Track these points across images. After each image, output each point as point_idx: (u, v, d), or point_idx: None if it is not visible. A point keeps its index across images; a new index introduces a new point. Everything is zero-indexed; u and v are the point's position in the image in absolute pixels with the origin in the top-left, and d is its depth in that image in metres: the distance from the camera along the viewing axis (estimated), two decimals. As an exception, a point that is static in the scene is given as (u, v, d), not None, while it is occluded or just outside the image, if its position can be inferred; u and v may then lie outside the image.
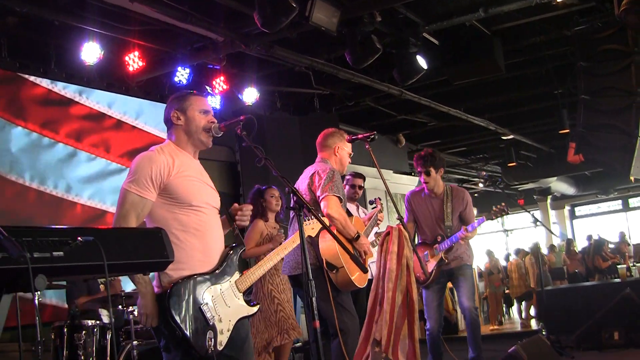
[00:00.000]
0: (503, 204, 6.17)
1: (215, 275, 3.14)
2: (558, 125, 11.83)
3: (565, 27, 8.26)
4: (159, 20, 6.88)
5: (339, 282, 4.65)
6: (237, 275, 3.24)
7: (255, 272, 3.36)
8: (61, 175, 7.50)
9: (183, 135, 3.26)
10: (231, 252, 3.25)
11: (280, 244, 5.82)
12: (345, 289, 4.71)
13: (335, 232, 4.09)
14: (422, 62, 7.83)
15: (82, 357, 5.23)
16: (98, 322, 5.38)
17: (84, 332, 5.27)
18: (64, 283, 5.95)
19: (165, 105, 3.37)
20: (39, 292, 4.78)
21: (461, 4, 7.38)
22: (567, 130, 11.57)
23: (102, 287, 6.29)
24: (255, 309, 3.29)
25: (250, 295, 5.85)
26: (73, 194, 7.60)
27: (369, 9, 7.02)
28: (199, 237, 3.12)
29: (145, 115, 8.60)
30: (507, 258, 17.36)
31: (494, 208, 6.14)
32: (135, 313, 5.16)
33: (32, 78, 7.39)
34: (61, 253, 2.25)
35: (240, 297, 3.23)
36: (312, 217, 3.61)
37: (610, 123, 9.41)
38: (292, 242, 3.76)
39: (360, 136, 5.04)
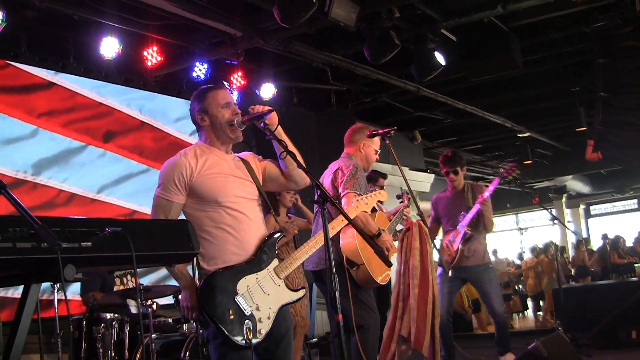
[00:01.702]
0: (515, 163, 6.32)
1: (250, 264, 3.16)
2: (575, 123, 11.71)
3: (584, 23, 8.16)
4: (177, 15, 6.88)
5: (359, 279, 4.63)
6: (275, 262, 3.24)
7: (296, 260, 3.33)
8: (92, 177, 7.67)
9: (212, 134, 3.32)
10: (268, 240, 3.26)
11: (293, 234, 5.87)
12: (366, 286, 4.69)
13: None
14: (440, 58, 7.77)
15: (101, 350, 5.24)
16: (117, 315, 5.40)
17: (102, 325, 5.29)
18: (80, 275, 5.97)
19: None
20: (57, 285, 4.78)
21: (479, 0, 7.34)
22: (584, 128, 11.49)
23: (117, 280, 6.31)
24: (299, 294, 3.28)
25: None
26: (104, 195, 7.77)
27: (388, 5, 7.01)
28: (232, 232, 3.17)
29: (170, 116, 8.63)
30: (520, 257, 17.28)
31: (502, 169, 6.27)
32: (154, 307, 5.20)
33: (62, 83, 7.52)
34: (89, 243, 2.27)
35: (281, 284, 3.22)
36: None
37: (628, 120, 9.35)
38: (340, 223, 3.74)
39: (380, 131, 5.01)
